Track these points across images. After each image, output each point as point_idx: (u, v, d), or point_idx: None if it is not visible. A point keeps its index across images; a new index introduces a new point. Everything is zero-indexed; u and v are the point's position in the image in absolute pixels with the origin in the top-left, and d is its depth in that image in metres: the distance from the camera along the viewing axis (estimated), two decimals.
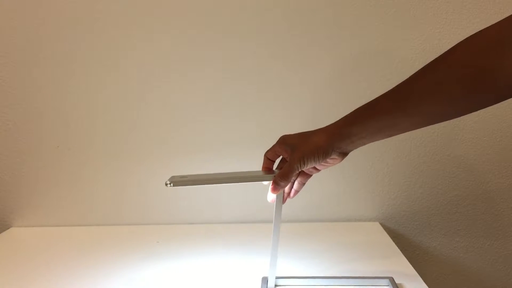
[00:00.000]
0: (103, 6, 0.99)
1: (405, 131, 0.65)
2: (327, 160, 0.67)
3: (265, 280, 0.77)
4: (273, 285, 0.75)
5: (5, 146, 1.06)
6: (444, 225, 1.12)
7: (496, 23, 0.55)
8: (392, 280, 0.77)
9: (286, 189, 0.73)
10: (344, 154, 0.68)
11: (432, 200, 1.10)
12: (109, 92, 1.03)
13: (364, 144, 0.65)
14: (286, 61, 1.02)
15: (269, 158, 0.71)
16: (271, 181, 0.67)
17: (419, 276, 0.81)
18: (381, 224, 1.10)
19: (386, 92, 0.63)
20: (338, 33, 1.01)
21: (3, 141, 1.05)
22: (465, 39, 0.57)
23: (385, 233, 1.04)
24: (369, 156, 1.07)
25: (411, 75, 0.62)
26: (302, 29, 1.01)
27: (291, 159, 0.66)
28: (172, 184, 0.66)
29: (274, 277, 0.75)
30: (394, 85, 0.62)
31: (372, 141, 0.65)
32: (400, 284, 0.77)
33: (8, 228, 1.10)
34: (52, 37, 1.00)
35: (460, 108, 0.59)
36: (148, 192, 1.09)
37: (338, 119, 0.67)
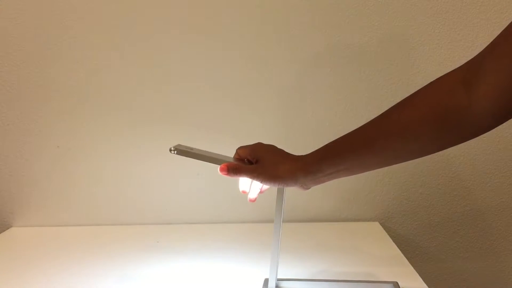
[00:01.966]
0: (104, 6, 0.99)
1: (372, 169, 0.65)
2: None
3: (266, 282, 0.77)
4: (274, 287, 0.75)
5: (5, 146, 1.05)
6: (444, 225, 1.12)
7: (461, 65, 0.56)
8: (396, 284, 0.76)
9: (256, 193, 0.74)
10: (306, 187, 0.68)
11: (432, 200, 1.11)
12: (109, 92, 1.03)
13: (330, 180, 0.65)
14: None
15: (239, 155, 0.71)
16: (223, 164, 0.66)
17: (419, 276, 0.81)
18: (381, 224, 1.10)
19: (353, 131, 0.64)
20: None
21: (3, 141, 1.05)
22: (431, 81, 0.58)
23: (385, 233, 1.04)
24: None
25: (378, 115, 0.62)
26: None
27: (253, 170, 0.66)
28: (176, 152, 0.66)
29: (275, 279, 0.75)
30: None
31: (338, 178, 0.65)
32: (400, 284, 0.77)
33: (8, 228, 1.10)
34: (52, 37, 1.00)
35: (428, 147, 0.59)
36: (148, 192, 1.09)
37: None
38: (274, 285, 0.75)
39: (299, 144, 1.02)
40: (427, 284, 0.77)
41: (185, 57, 1.02)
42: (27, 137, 1.05)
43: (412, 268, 0.84)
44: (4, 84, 1.02)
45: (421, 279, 0.80)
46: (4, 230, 1.09)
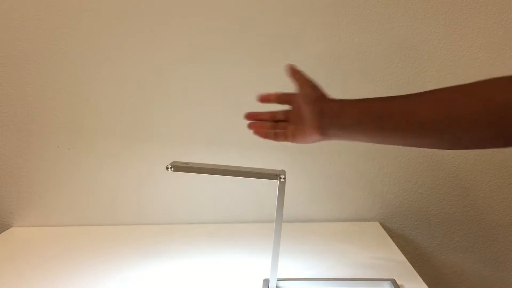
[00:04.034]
0: (104, 6, 0.99)
1: (390, 144, 0.63)
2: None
3: (266, 282, 0.77)
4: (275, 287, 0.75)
5: (5, 146, 1.05)
6: (444, 225, 1.12)
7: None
8: (394, 282, 0.77)
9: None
10: (325, 134, 0.67)
11: (432, 200, 1.11)
12: (109, 92, 1.03)
13: (348, 135, 0.65)
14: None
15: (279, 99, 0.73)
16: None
17: (419, 276, 0.81)
18: (381, 224, 1.10)
19: (402, 97, 0.61)
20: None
21: (3, 141, 1.05)
22: (488, 78, 0.56)
23: (385, 233, 1.04)
24: (369, 156, 1.07)
25: (424, 92, 0.59)
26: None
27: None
28: (173, 169, 0.67)
29: (276, 279, 0.75)
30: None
31: (356, 139, 0.64)
32: (400, 285, 0.77)
33: (8, 228, 1.10)
34: (52, 37, 1.00)
35: (477, 143, 0.57)
36: (148, 192, 1.09)
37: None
38: (274, 285, 0.75)
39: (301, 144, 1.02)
40: (427, 284, 0.77)
41: (186, 59, 1.02)
42: (27, 137, 1.05)
43: (412, 268, 0.84)
44: (4, 84, 1.02)
45: (421, 279, 0.80)
46: (4, 230, 1.09)
